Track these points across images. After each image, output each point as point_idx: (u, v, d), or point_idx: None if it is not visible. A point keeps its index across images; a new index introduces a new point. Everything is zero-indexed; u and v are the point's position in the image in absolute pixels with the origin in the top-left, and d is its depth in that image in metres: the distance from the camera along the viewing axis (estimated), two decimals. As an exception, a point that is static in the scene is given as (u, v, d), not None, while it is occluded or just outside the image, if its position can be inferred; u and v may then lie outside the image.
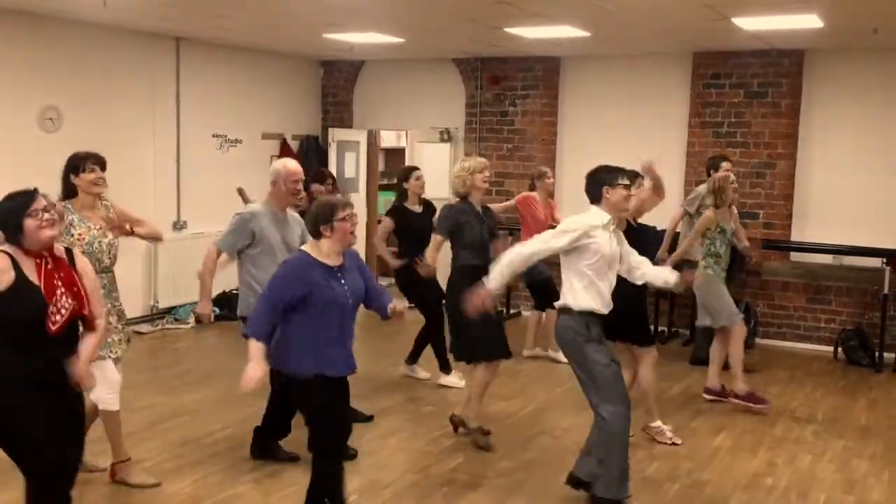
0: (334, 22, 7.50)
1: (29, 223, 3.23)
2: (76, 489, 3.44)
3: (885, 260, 7.67)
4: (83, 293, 3.38)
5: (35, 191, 3.34)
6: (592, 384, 4.26)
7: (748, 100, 8.46)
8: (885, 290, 7.63)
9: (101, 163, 4.54)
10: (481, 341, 5.27)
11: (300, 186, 5.08)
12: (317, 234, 3.85)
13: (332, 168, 10.26)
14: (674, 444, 5.47)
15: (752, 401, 6.22)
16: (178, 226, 8.90)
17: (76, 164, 4.48)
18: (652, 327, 8.62)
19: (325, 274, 3.78)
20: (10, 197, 3.32)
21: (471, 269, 5.22)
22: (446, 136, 10.10)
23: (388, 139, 11.68)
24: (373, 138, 11.17)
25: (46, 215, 3.27)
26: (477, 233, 5.44)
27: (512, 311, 9.45)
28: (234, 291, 6.87)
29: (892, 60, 7.98)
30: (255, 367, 3.69)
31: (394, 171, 11.42)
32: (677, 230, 7.44)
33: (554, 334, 4.46)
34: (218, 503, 4.44)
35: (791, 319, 8.44)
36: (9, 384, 3.20)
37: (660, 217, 7.91)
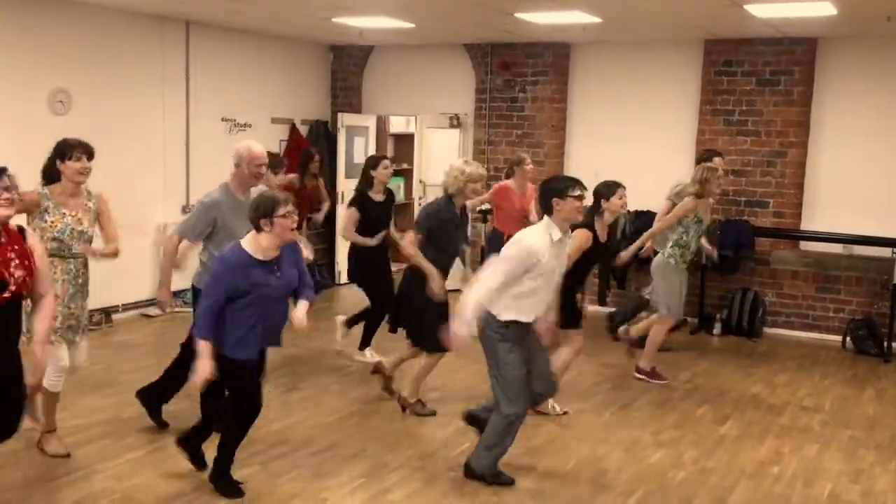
0: (344, 6, 7.48)
1: None
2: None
3: (895, 249, 7.63)
4: (33, 267, 3.59)
5: (2, 170, 3.49)
6: (500, 380, 4.44)
7: (760, 88, 8.40)
8: (895, 280, 7.59)
9: (88, 152, 4.60)
10: (434, 332, 5.16)
11: (263, 170, 4.99)
12: (257, 228, 4.02)
13: (341, 153, 10.27)
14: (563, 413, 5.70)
15: (654, 376, 6.57)
16: (188, 210, 8.90)
17: (64, 150, 4.54)
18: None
19: (263, 271, 4.03)
20: None
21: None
22: (456, 121, 10.07)
23: (397, 125, 11.66)
24: (382, 124, 11.15)
25: (6, 195, 3.46)
26: (451, 237, 5.50)
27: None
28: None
29: (905, 49, 7.92)
30: (206, 363, 3.97)
31: (403, 156, 11.43)
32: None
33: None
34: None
35: (800, 309, 8.41)
36: None
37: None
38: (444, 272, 5.50)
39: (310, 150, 8.73)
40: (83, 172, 4.57)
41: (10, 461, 4.59)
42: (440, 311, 5.32)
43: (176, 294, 8.62)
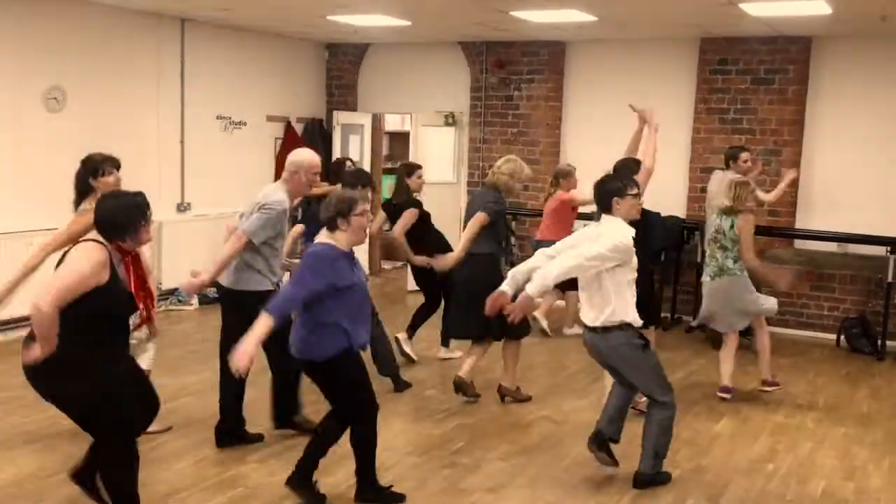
0: (339, 4, 7.47)
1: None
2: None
3: (889, 248, 7.65)
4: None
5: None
6: (645, 377, 4.57)
7: (755, 86, 8.42)
8: (889, 279, 7.62)
9: (117, 165, 4.88)
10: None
11: (318, 179, 5.04)
12: (332, 227, 4.02)
13: (336, 151, 10.25)
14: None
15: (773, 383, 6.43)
16: (182, 207, 8.90)
17: (95, 166, 4.80)
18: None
19: (348, 263, 4.04)
20: None
21: (490, 258, 5.72)
22: (451, 120, 10.07)
23: (392, 123, 11.66)
24: (377, 122, 11.14)
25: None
26: (503, 228, 5.89)
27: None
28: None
29: (899, 47, 7.94)
30: (254, 344, 3.80)
31: (397, 154, 11.42)
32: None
33: (609, 352, 4.55)
34: (222, 483, 4.47)
35: (794, 307, 8.43)
36: None
37: (664, 203, 7.95)
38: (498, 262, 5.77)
39: (341, 158, 8.50)
40: (118, 185, 4.78)
41: (3, 459, 4.58)
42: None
43: (171, 293, 8.63)
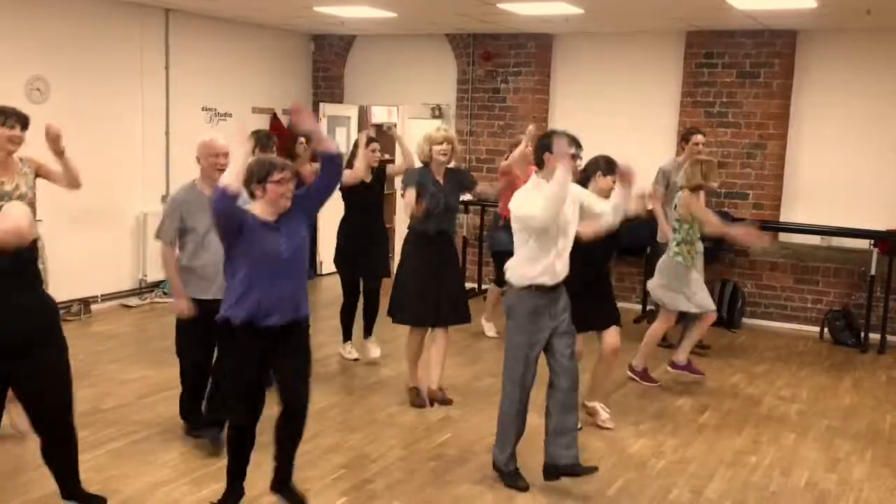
0: (326, -5, 7.43)
1: None
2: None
3: (872, 241, 7.71)
4: None
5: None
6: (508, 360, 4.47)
7: (741, 80, 8.45)
8: (872, 272, 7.68)
9: (22, 122, 4.61)
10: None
11: (222, 161, 4.59)
12: (251, 195, 3.81)
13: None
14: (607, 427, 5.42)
15: (646, 378, 6.39)
16: (167, 199, 8.84)
17: None
18: (640, 307, 8.70)
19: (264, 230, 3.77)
20: None
21: (422, 234, 5.50)
22: (438, 112, 10.05)
23: (379, 115, 11.61)
24: (364, 114, 11.10)
25: None
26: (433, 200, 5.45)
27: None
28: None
29: (884, 42, 7.98)
30: None
31: (384, 147, 11.36)
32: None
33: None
34: (207, 476, 4.46)
35: (778, 300, 8.49)
36: None
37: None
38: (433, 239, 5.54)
39: (292, 134, 8.53)
40: (14, 141, 4.59)
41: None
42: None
43: (157, 285, 8.59)
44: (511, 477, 4.50)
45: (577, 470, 4.38)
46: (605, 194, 4.73)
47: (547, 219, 4.15)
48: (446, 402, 5.69)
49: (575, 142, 4.37)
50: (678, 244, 6.19)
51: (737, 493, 4.54)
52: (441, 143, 5.53)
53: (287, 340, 3.86)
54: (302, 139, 7.54)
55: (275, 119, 10.00)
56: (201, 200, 4.56)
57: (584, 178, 4.92)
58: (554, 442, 4.42)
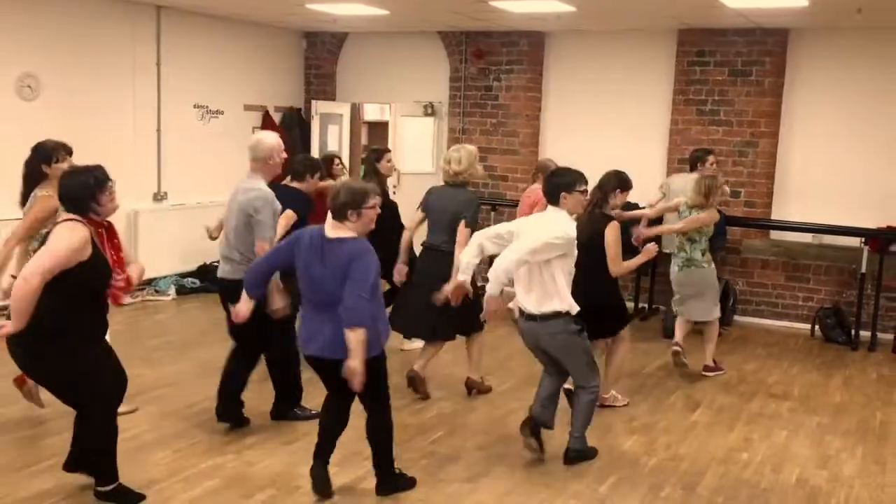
0: (318, -8, 7.42)
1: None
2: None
3: (863, 239, 7.74)
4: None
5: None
6: (578, 360, 4.70)
7: (732, 78, 8.47)
8: (863, 269, 7.71)
9: (70, 152, 4.84)
10: (466, 316, 5.50)
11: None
12: (342, 217, 3.90)
13: (315, 141, 10.20)
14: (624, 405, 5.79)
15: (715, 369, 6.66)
16: (159, 197, 8.82)
17: (48, 153, 4.77)
18: (632, 304, 8.72)
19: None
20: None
21: (441, 253, 5.58)
22: (430, 110, 10.04)
23: (371, 112, 11.60)
24: (356, 111, 11.08)
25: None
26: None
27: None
28: (215, 264, 6.85)
29: (875, 40, 8.00)
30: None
31: (377, 144, 11.37)
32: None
33: (549, 339, 4.65)
34: (199, 474, 4.45)
35: (769, 297, 8.52)
36: None
37: (642, 195, 7.97)
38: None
39: (330, 152, 8.30)
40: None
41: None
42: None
43: (149, 283, 8.57)
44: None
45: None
46: (620, 207, 5.11)
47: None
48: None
49: (581, 177, 4.61)
50: (703, 253, 6.46)
51: (729, 489, 4.55)
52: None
53: None
54: (338, 159, 7.42)
55: (267, 116, 9.98)
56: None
57: (601, 196, 5.34)
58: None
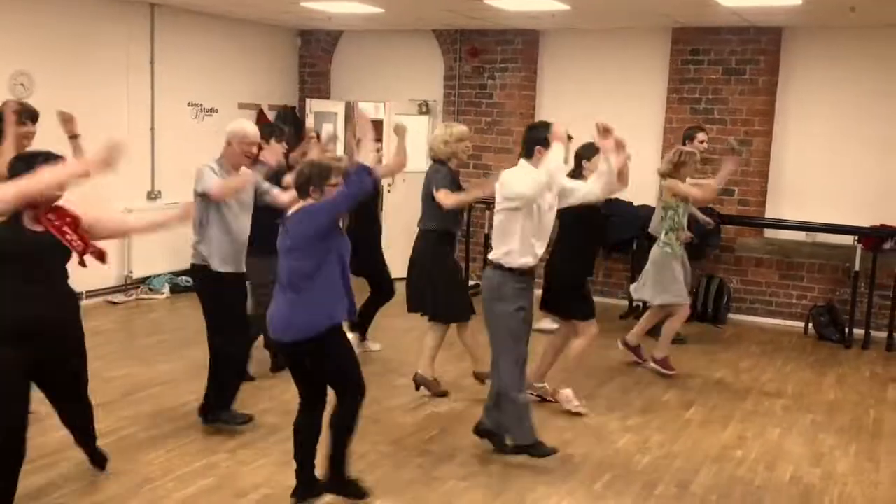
0: (312, -10, 7.41)
1: None
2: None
3: (857, 237, 7.76)
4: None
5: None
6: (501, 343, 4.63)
7: (726, 76, 8.48)
8: (857, 268, 7.72)
9: (34, 118, 4.93)
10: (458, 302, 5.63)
11: (253, 151, 4.99)
12: (304, 194, 3.87)
13: (310, 139, 10.18)
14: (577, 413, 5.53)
15: (665, 366, 6.51)
16: (153, 195, 8.81)
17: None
18: (626, 303, 8.73)
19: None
20: None
21: (444, 235, 5.61)
22: (424, 108, 10.04)
23: (365, 111, 11.59)
24: (351, 110, 11.07)
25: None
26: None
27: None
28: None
29: (868, 39, 8.02)
30: None
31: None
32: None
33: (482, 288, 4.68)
34: (192, 473, 4.45)
35: (763, 295, 8.53)
36: None
37: (636, 192, 7.99)
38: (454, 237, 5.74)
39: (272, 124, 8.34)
40: (29, 138, 4.82)
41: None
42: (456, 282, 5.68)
43: (143, 281, 8.55)
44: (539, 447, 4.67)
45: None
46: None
47: (533, 197, 4.43)
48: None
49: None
50: (666, 233, 6.38)
51: (722, 487, 4.56)
52: (467, 140, 5.64)
53: None
54: (313, 134, 7.48)
55: (261, 115, 9.96)
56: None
57: (579, 163, 5.43)
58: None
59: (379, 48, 10.17)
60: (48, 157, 3.78)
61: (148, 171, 8.72)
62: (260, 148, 5.45)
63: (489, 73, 9.54)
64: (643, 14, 7.93)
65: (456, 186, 5.59)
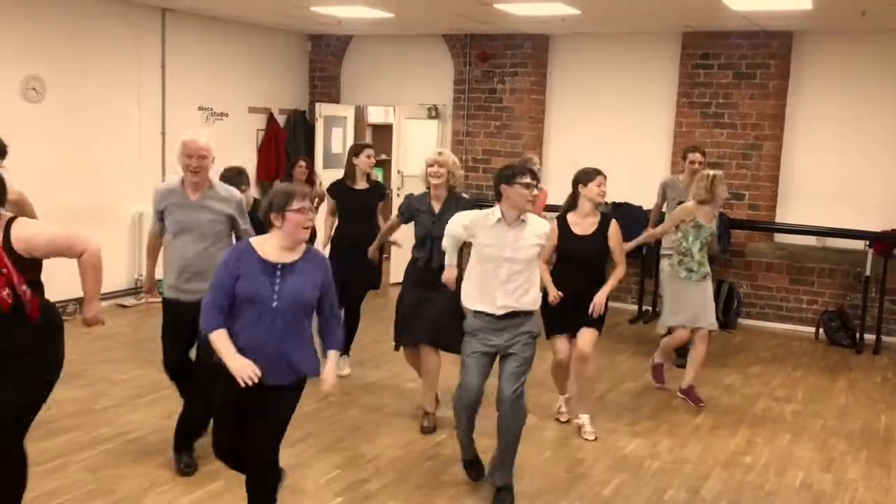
0: (322, -5, 7.43)
1: None
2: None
3: (867, 242, 7.72)
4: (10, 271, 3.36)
5: None
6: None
7: (736, 81, 8.46)
8: (867, 272, 7.69)
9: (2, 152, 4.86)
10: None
11: (194, 163, 4.49)
12: (266, 224, 3.53)
13: (319, 143, 10.21)
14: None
15: (692, 398, 6.02)
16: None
17: None
18: (636, 307, 8.71)
19: (261, 268, 3.48)
20: None
21: (413, 262, 5.33)
22: (434, 112, 10.05)
23: (375, 115, 11.62)
24: (360, 114, 11.10)
25: None
26: (421, 227, 5.28)
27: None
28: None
29: (879, 43, 7.99)
30: (235, 360, 3.39)
31: (381, 147, 11.38)
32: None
33: None
34: (201, 476, 4.44)
35: (774, 300, 8.50)
36: None
37: (646, 197, 7.97)
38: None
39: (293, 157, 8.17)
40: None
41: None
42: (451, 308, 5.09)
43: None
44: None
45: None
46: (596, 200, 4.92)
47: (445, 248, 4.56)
48: None
49: (532, 174, 4.27)
50: (669, 254, 6.20)
51: (732, 493, 4.54)
52: (431, 165, 5.20)
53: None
54: (301, 162, 7.48)
55: (271, 119, 10.00)
56: (184, 200, 4.53)
57: (571, 200, 5.20)
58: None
59: (389, 52, 10.19)
60: None
61: (159, 174, 8.75)
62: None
63: (499, 77, 9.55)
64: (653, 18, 7.93)
65: (407, 216, 5.38)
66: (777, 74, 8.32)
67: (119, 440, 4.87)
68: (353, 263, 6.07)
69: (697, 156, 7.11)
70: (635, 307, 8.72)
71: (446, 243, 4.57)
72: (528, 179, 4.20)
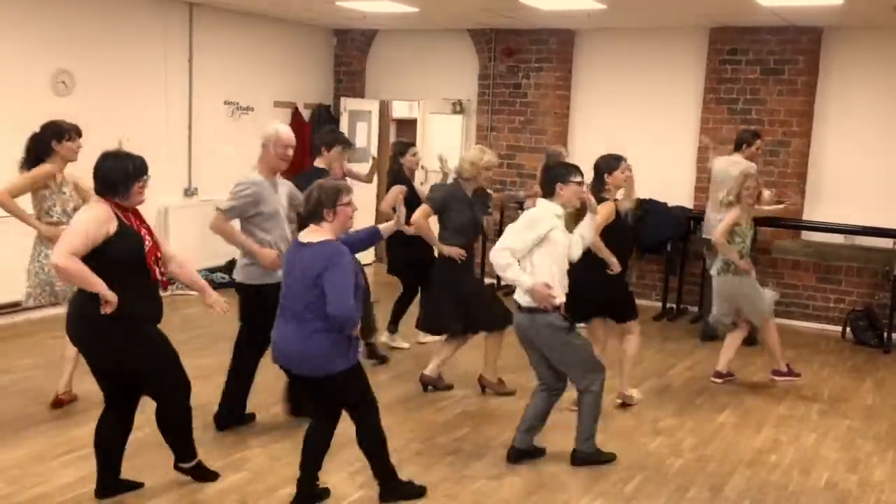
0: (348, -10, 7.44)
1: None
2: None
3: (896, 241, 7.63)
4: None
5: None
6: (572, 360, 4.60)
7: (764, 76, 8.38)
8: (896, 271, 7.60)
9: (80, 134, 5.14)
10: (490, 310, 5.76)
11: (289, 154, 4.94)
12: (318, 218, 3.84)
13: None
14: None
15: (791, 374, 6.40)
16: (189, 192, 8.92)
17: (60, 131, 5.05)
18: (660, 304, 8.67)
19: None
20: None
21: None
22: (458, 107, 10.05)
23: (399, 110, 11.63)
24: (385, 108, 11.12)
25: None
26: (462, 216, 5.66)
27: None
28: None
29: (911, 39, 7.89)
30: None
31: (403, 137, 11.38)
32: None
33: (535, 334, 4.56)
34: (226, 467, 4.49)
35: (800, 298, 8.42)
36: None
37: (671, 193, 7.92)
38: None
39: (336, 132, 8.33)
40: (77, 153, 5.10)
41: (7, 438, 4.62)
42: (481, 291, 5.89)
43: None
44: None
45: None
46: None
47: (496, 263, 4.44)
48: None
49: (577, 170, 4.56)
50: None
51: (756, 492, 4.51)
52: (491, 172, 5.76)
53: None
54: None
55: (296, 113, 10.04)
56: (268, 185, 4.90)
57: (599, 177, 5.32)
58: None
59: (413, 47, 10.19)
60: None
61: (185, 168, 8.83)
62: (308, 153, 5.50)
63: (524, 72, 9.52)
64: (681, 13, 7.87)
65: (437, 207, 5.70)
66: (806, 70, 8.22)
67: (146, 430, 4.87)
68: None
69: (760, 142, 7.45)
70: (659, 304, 8.67)
71: (526, 243, 4.41)
72: (580, 178, 4.51)
